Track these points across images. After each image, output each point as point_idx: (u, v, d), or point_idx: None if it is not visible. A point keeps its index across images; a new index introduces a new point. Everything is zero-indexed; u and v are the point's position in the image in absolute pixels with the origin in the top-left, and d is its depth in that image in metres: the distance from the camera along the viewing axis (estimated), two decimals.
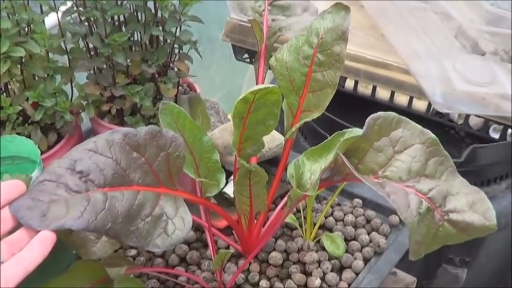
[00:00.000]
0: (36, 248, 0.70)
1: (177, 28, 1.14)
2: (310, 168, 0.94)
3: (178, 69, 1.17)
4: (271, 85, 0.87)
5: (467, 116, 1.43)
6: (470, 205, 0.88)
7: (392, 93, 1.45)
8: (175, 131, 0.90)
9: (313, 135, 1.45)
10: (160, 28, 1.12)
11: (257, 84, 1.06)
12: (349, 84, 1.51)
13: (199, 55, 1.19)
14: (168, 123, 0.91)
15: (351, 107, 1.42)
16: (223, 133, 1.21)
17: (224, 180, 0.97)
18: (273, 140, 1.25)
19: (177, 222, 0.83)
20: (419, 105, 1.45)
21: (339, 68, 0.93)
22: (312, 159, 0.94)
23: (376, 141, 0.89)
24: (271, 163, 1.24)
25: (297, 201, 0.94)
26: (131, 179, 0.81)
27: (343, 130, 0.92)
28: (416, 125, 0.90)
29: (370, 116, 0.88)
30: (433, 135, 0.89)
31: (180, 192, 0.87)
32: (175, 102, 1.19)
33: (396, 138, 0.89)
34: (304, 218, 1.16)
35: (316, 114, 0.95)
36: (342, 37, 0.93)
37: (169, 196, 0.85)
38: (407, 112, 1.46)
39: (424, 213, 0.86)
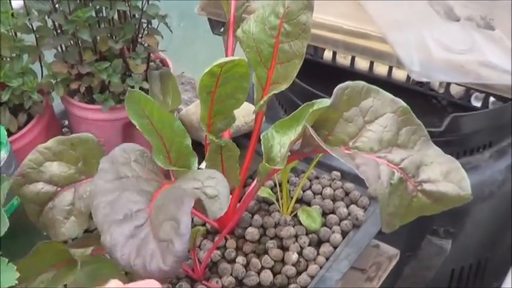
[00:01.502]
0: None
1: (143, 2, 1.11)
2: (280, 141, 0.92)
3: (148, 45, 1.14)
4: (237, 57, 0.85)
5: (448, 85, 1.40)
6: (444, 175, 0.86)
7: (372, 64, 1.43)
8: (143, 119, 0.88)
9: (292, 108, 1.42)
10: (127, 3, 1.10)
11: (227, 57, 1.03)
12: (328, 55, 1.48)
13: (170, 30, 1.16)
14: (135, 111, 0.88)
15: (330, 78, 1.38)
16: (198, 108, 1.18)
17: (196, 164, 0.95)
18: (250, 114, 1.23)
19: None
20: (400, 74, 1.42)
21: (305, 38, 0.91)
22: (281, 131, 0.92)
23: (346, 111, 0.87)
24: (249, 137, 1.21)
25: (267, 175, 0.92)
26: (150, 192, 0.81)
27: (313, 101, 0.90)
28: (387, 93, 0.88)
29: (338, 86, 0.86)
30: (405, 104, 0.87)
31: (173, 182, 0.87)
32: (145, 78, 1.16)
33: (366, 108, 0.87)
34: (281, 192, 1.14)
35: (284, 86, 0.93)
36: (308, 6, 0.91)
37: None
38: (388, 82, 1.43)
39: (396, 184, 0.85)
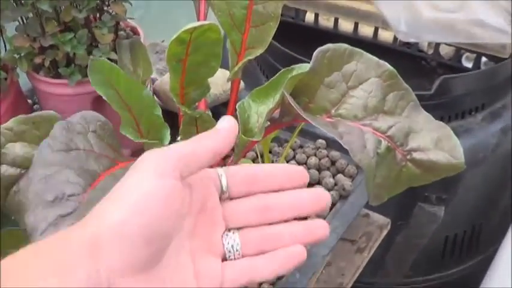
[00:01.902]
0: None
1: None
2: (257, 110, 0.85)
3: (115, 13, 1.07)
4: (207, 22, 0.78)
5: (437, 45, 1.35)
6: (435, 142, 0.81)
7: (356, 25, 1.36)
8: (109, 89, 0.82)
9: (274, 74, 1.36)
10: None
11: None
12: (310, 17, 1.41)
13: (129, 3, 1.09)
14: (100, 81, 0.82)
15: (312, 42, 1.33)
16: None
17: (169, 136, 0.89)
18: (227, 82, 1.16)
19: None
20: (386, 35, 1.36)
21: None
22: (258, 100, 0.86)
23: (327, 76, 0.81)
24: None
25: (246, 147, 0.86)
26: (95, 172, 0.74)
27: (292, 66, 0.84)
28: (372, 56, 0.81)
29: (318, 49, 0.79)
30: (391, 67, 0.81)
31: (133, 160, 0.79)
32: (114, 48, 1.09)
33: (349, 73, 0.81)
34: (263, 163, 1.08)
35: (260, 51, 0.86)
36: None
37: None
38: (373, 44, 1.37)
39: (383, 153, 0.79)
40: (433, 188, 1.34)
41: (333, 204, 1.05)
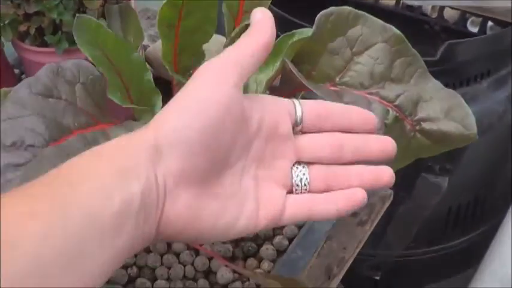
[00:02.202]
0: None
1: None
2: (256, 78, 0.81)
3: None
4: None
5: (442, 9, 1.30)
6: (445, 112, 0.76)
7: None
8: (96, 50, 0.76)
9: None
10: None
11: None
12: None
13: None
14: (87, 41, 0.76)
15: (312, 6, 1.28)
16: None
17: (160, 103, 0.84)
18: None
19: None
20: None
21: None
22: None
23: (331, 42, 0.76)
24: None
25: None
26: (67, 127, 0.69)
27: (293, 31, 0.79)
28: (378, 20, 0.76)
29: (321, 13, 0.74)
30: (398, 32, 0.76)
31: (118, 121, 0.75)
32: (103, 14, 1.04)
33: (354, 38, 0.76)
34: None
35: None
36: None
37: (114, 128, 0.73)
38: (375, 7, 1.32)
39: (391, 124, 0.75)
40: (437, 157, 1.29)
41: None
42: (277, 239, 0.93)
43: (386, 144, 0.64)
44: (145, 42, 1.21)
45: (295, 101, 0.62)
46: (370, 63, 0.76)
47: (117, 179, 0.51)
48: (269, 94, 0.79)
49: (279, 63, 0.76)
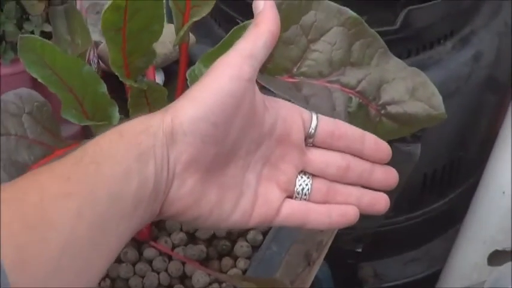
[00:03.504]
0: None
1: None
2: None
3: None
4: None
5: None
6: (410, 92, 0.74)
7: None
8: (45, 69, 0.74)
9: (227, 20, 1.27)
10: None
11: None
12: None
13: None
14: (33, 62, 0.74)
15: None
16: None
17: (117, 114, 0.81)
18: None
19: None
20: None
21: None
22: (209, 65, 0.77)
23: (284, 31, 0.72)
24: None
25: None
26: (24, 163, 0.68)
27: (244, 23, 0.75)
28: (332, 3, 0.73)
29: None
30: (354, 14, 0.73)
31: (74, 145, 0.73)
32: (47, 19, 0.99)
33: (308, 24, 0.72)
34: None
35: (206, 10, 0.77)
36: None
37: None
38: None
39: (355, 111, 0.72)
40: None
41: None
42: (251, 234, 0.90)
43: (389, 176, 0.68)
44: (97, 38, 1.17)
45: (314, 114, 0.65)
46: (327, 50, 0.72)
47: (136, 160, 0.54)
48: None
49: None
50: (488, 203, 1.33)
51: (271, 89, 0.68)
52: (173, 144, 0.57)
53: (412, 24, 1.18)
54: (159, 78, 1.13)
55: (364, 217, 1.30)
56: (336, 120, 0.66)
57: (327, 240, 1.05)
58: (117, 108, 0.81)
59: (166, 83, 1.14)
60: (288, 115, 0.64)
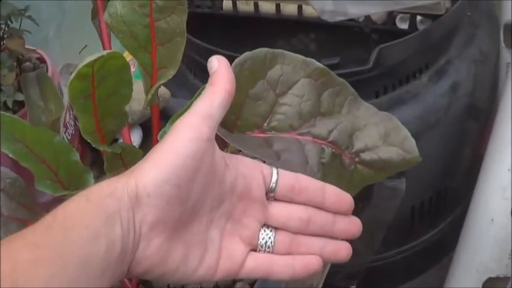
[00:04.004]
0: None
1: None
2: None
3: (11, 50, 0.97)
4: (107, 51, 0.70)
5: None
6: (383, 138, 0.74)
7: (278, 5, 1.27)
8: (15, 144, 0.74)
9: (202, 69, 1.27)
10: None
11: (104, 48, 0.88)
12: (227, 4, 1.32)
13: (36, 23, 0.99)
14: (4, 138, 0.74)
15: (236, 30, 1.25)
16: None
17: (92, 180, 0.81)
18: None
19: None
20: (312, 10, 1.27)
21: (183, 11, 0.75)
22: None
23: (251, 88, 0.72)
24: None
25: None
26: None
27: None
28: (296, 55, 0.73)
29: (235, 62, 0.71)
30: (320, 65, 0.73)
31: None
32: (19, 86, 0.99)
33: (275, 79, 0.73)
34: None
35: (171, 72, 0.77)
36: None
37: None
38: (299, 21, 1.28)
39: (329, 161, 0.72)
40: None
41: None
42: (238, 285, 0.89)
43: (352, 227, 0.69)
44: None
45: (274, 169, 0.66)
46: (296, 102, 0.72)
47: (103, 224, 0.55)
48: None
49: None
50: (477, 231, 1.32)
51: (242, 149, 0.68)
52: (138, 206, 0.58)
53: (385, 61, 1.18)
54: (137, 135, 1.13)
55: (354, 254, 1.30)
56: (297, 174, 0.67)
57: (317, 283, 1.05)
58: (91, 175, 0.80)
59: (145, 139, 1.14)
60: (248, 171, 0.65)
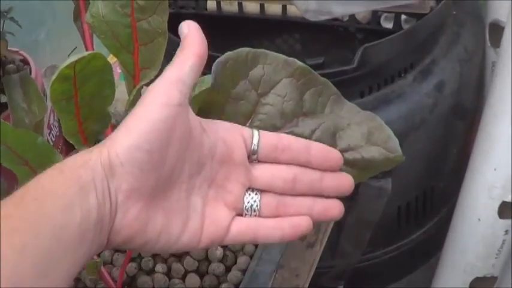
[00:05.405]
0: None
1: None
2: None
3: None
4: (88, 52, 0.70)
5: None
6: (366, 137, 0.73)
7: (262, 5, 1.27)
8: None
9: None
10: None
11: (87, 49, 0.88)
12: (211, 4, 1.32)
13: (18, 25, 0.99)
14: None
15: (221, 31, 1.24)
16: None
17: None
18: None
19: None
20: (296, 9, 1.26)
21: (164, 11, 0.74)
22: None
23: (233, 88, 0.72)
24: None
25: None
26: None
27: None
28: (278, 55, 0.73)
29: (216, 61, 0.71)
30: (302, 64, 0.73)
31: None
32: (1, 88, 0.99)
33: (257, 79, 0.72)
34: None
35: (154, 72, 0.76)
36: None
37: None
38: (284, 21, 1.28)
39: None
40: None
41: None
42: (223, 286, 0.90)
43: (341, 182, 0.68)
44: None
45: (255, 131, 0.66)
46: (278, 102, 0.72)
47: (77, 194, 0.55)
48: None
49: None
50: (464, 231, 1.32)
51: None
52: (112, 175, 0.58)
53: (369, 61, 1.17)
54: None
55: (341, 254, 1.30)
56: (280, 134, 0.67)
57: (303, 284, 1.05)
58: None
59: None
60: (228, 135, 0.65)
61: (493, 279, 1.35)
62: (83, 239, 0.55)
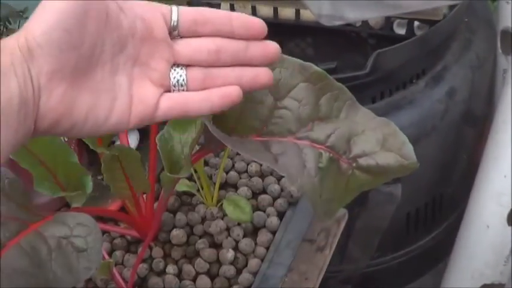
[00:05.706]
0: None
1: None
2: (180, 140, 0.78)
3: None
4: None
5: None
6: (381, 143, 0.73)
7: (276, 9, 1.28)
8: None
9: None
10: None
11: None
12: (225, 8, 1.32)
13: None
14: None
15: None
16: None
17: (90, 183, 0.82)
18: None
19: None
20: (309, 14, 1.27)
21: None
22: (179, 129, 0.79)
23: (250, 92, 0.72)
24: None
25: (173, 183, 0.77)
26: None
27: None
28: (294, 59, 0.73)
29: None
30: (318, 68, 0.73)
31: (49, 217, 0.71)
32: None
33: (274, 82, 0.72)
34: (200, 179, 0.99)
35: None
36: None
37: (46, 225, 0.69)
38: (297, 25, 1.29)
39: (326, 166, 0.71)
40: None
41: (283, 214, 0.99)
42: None
43: (267, 49, 0.65)
44: None
45: (174, 7, 0.64)
46: (294, 106, 0.72)
47: None
48: (198, 151, 0.76)
49: (200, 122, 0.72)
50: (473, 237, 1.33)
51: (239, 152, 0.67)
52: (32, 59, 0.57)
53: (382, 66, 1.18)
54: (134, 138, 1.13)
55: (350, 259, 1.30)
56: (200, 7, 0.65)
57: (313, 287, 1.05)
58: (89, 176, 0.81)
59: (141, 142, 1.14)
60: (146, 13, 0.63)
61: (501, 286, 1.35)
62: (7, 125, 0.55)
